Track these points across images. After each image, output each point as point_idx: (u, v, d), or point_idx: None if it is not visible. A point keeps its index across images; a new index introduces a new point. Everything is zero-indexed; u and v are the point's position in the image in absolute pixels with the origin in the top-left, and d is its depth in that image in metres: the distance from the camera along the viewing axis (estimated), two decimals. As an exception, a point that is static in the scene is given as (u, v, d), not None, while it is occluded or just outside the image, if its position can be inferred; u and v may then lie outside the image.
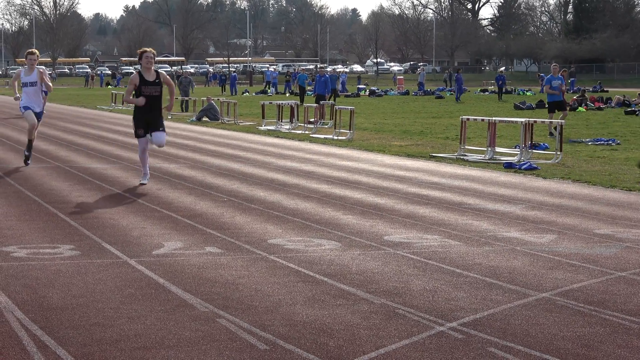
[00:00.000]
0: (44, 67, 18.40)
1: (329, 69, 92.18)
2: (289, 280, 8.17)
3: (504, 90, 63.11)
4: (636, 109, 41.19)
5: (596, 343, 6.27)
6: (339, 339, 6.29)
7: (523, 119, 21.14)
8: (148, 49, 15.13)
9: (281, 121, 31.96)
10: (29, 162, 18.05)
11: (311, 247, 9.81)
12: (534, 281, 8.23)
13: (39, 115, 18.06)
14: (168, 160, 19.41)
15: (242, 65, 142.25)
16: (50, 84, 18.16)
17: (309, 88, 60.73)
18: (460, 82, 59.90)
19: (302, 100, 48.07)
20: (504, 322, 6.80)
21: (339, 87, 62.86)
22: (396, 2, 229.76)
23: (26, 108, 17.85)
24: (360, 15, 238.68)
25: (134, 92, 15.10)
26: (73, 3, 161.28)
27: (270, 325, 6.61)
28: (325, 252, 9.53)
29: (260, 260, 9.06)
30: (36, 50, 18.20)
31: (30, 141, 18.00)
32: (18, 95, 18.52)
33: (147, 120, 14.96)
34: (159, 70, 15.05)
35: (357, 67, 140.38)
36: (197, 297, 7.47)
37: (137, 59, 15.48)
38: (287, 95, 69.36)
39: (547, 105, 28.95)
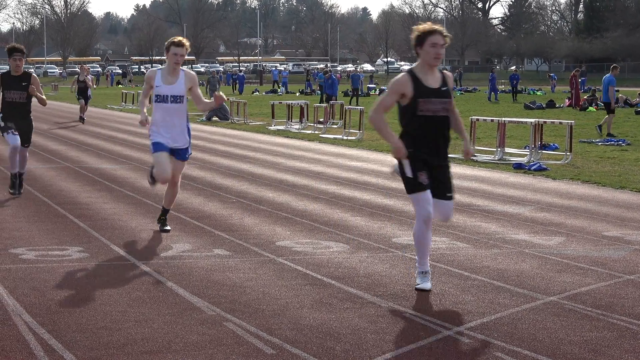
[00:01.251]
0: (192, 72, 10.93)
1: (337, 68, 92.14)
2: (296, 283, 8.17)
3: (516, 89, 61.67)
4: (645, 109, 41.10)
5: (603, 347, 6.26)
6: (345, 343, 6.29)
7: (532, 120, 21.10)
8: (437, 27, 7.87)
9: (291, 121, 31.96)
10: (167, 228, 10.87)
11: (319, 249, 9.81)
12: (541, 284, 8.22)
13: (182, 155, 10.57)
14: (177, 161, 19.41)
15: (252, 64, 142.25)
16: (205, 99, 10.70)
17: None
18: (494, 81, 58.47)
19: (326, 100, 47.94)
20: (511, 326, 6.79)
21: (362, 86, 62.25)
22: (407, 1, 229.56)
23: (158, 146, 10.41)
24: (370, 14, 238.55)
25: (395, 108, 8.01)
26: (84, 2, 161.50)
27: (277, 329, 6.61)
28: (333, 254, 9.53)
29: (268, 262, 9.07)
30: (185, 41, 10.49)
31: (164, 210, 10.89)
32: (146, 115, 10.67)
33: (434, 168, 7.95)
34: (445, 72, 8.10)
35: (368, 67, 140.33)
36: (205, 300, 7.48)
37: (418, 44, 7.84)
38: (297, 94, 69.25)
39: (603, 105, 29.27)
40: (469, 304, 7.48)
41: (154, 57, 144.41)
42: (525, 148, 21.58)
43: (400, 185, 15.38)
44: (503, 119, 21.65)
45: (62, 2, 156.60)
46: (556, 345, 6.31)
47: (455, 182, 15.90)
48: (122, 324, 6.72)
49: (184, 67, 10.61)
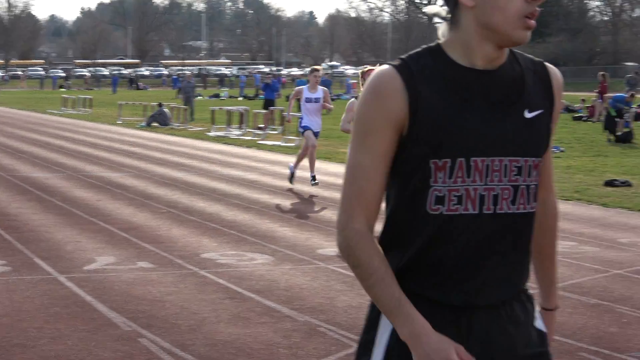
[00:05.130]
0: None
1: (282, 72, 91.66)
2: (216, 297, 8.24)
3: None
4: (583, 115, 41.63)
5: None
6: (257, 359, 6.37)
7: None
8: None
9: (230, 127, 31.97)
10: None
11: (243, 261, 9.87)
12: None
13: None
14: (112, 169, 19.37)
15: (197, 68, 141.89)
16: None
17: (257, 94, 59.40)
18: None
19: (264, 106, 47.86)
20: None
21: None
22: (352, 5, 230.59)
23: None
24: (316, 18, 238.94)
25: None
26: (27, 4, 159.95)
27: (191, 345, 6.68)
28: (256, 266, 9.61)
29: (190, 275, 9.12)
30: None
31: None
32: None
33: None
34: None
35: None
36: (123, 315, 7.52)
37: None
38: (239, 98, 69.03)
39: None
40: (384, 317, 7.58)
41: (97, 61, 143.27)
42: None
43: (333, 194, 15.50)
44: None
45: (6, 4, 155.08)
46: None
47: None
48: (37, 340, 6.75)
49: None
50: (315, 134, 16.64)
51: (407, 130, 2.50)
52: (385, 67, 2.54)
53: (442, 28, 2.60)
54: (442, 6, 2.59)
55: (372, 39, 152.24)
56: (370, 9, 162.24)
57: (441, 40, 2.59)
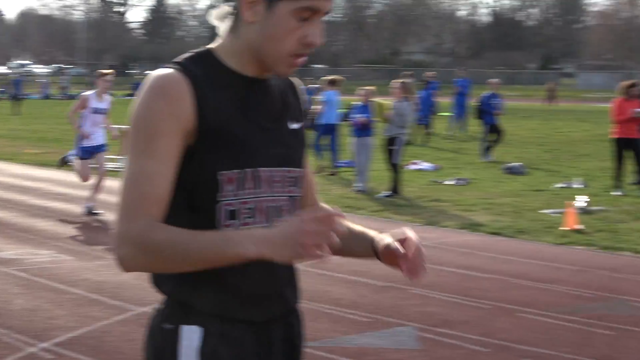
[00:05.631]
0: None
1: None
2: None
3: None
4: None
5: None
6: None
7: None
8: None
9: None
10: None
11: None
12: (139, 295, 8.36)
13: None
14: None
15: None
16: None
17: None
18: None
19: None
20: (98, 339, 6.89)
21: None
22: (44, 3, 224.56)
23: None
24: (4, 15, 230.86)
25: None
26: None
27: None
28: None
29: None
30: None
31: None
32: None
33: None
34: None
35: (1, 69, 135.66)
36: None
37: None
38: None
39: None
40: (60, 318, 7.50)
41: None
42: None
43: (15, 196, 15.02)
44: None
45: None
46: (138, 356, 6.47)
47: (73, 191, 15.67)
48: None
49: None
50: (100, 148, 13.49)
51: (195, 138, 2.36)
52: (167, 70, 2.40)
53: (221, 28, 2.51)
54: (228, 10, 2.49)
55: (64, 38, 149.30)
56: (63, 7, 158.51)
57: (213, 45, 2.50)
